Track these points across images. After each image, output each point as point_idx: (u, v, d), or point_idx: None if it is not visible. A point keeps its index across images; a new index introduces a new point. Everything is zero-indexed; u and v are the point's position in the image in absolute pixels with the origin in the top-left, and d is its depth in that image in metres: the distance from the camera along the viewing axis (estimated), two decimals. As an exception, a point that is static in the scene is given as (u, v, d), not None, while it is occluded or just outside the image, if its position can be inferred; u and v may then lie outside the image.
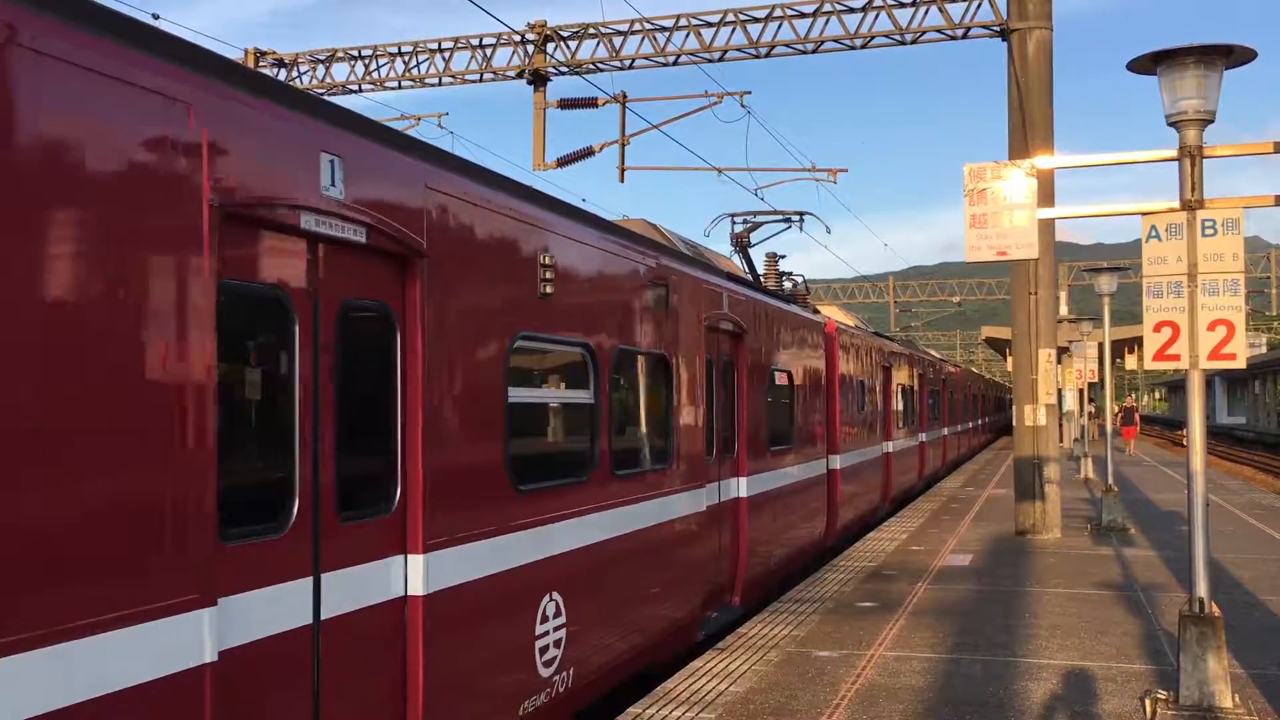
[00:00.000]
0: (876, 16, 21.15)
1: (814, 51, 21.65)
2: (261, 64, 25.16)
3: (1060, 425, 30.41)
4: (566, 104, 22.77)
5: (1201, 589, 7.85)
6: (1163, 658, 9.89)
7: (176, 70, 4.53)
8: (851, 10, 21.34)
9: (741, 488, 12.70)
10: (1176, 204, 7.90)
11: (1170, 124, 7.94)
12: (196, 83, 4.61)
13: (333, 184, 5.46)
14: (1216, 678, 7.61)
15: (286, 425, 5.26)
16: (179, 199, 4.46)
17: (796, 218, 20.21)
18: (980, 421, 54.13)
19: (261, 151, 4.98)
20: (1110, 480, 20.64)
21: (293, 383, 5.28)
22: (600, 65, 22.69)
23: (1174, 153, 7.96)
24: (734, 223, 19.75)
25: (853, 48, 21.40)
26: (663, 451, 10.20)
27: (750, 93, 21.94)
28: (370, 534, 5.87)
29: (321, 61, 25.05)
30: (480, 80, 23.77)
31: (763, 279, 19.32)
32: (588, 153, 22.20)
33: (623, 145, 22.06)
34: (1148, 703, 7.96)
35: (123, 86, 4.24)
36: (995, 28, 19.66)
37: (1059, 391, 32.15)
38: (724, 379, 12.23)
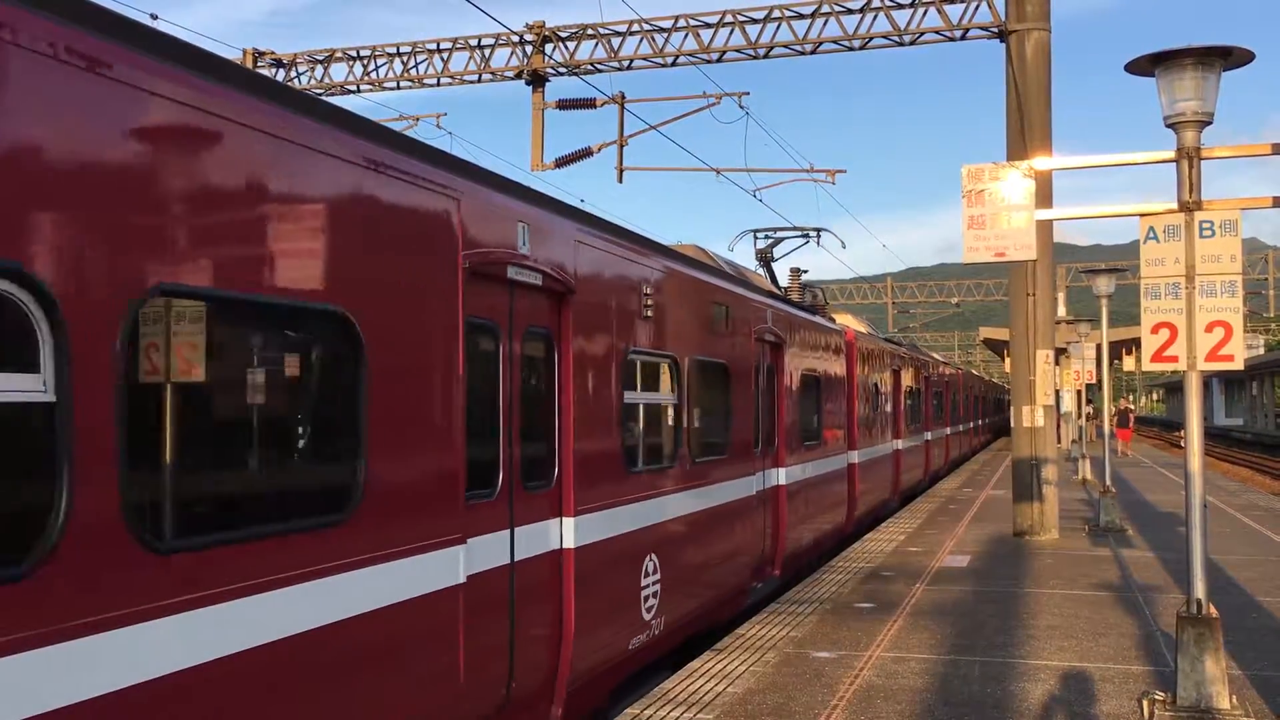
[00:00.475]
0: (875, 18, 21.16)
1: (812, 52, 21.66)
2: (260, 64, 25.15)
3: (1058, 426, 30.53)
4: (565, 104, 22.77)
5: (1199, 590, 7.85)
6: (1160, 659, 9.89)
7: (451, 175, 6.65)
8: (850, 11, 21.35)
9: (780, 476, 14.67)
10: (1174, 205, 7.90)
11: (1168, 125, 7.95)
12: (461, 183, 6.74)
13: (524, 244, 7.51)
14: (1214, 679, 7.61)
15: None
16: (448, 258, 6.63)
17: (814, 233, 22.24)
18: (980, 422, 55.12)
19: (491, 224, 7.07)
20: (1108, 481, 20.66)
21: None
22: (599, 66, 22.69)
23: (1172, 154, 7.96)
24: (756, 238, 21.96)
25: (851, 49, 21.41)
26: (726, 444, 11.98)
27: (749, 93, 21.97)
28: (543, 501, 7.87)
29: (320, 62, 25.04)
30: (479, 81, 23.77)
31: (787, 291, 20.78)
32: (586, 153, 22.20)
33: (621, 146, 22.06)
34: (1145, 704, 7.95)
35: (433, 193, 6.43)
36: (993, 29, 19.67)
37: (1057, 393, 32.32)
38: (767, 383, 13.99)
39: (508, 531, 7.30)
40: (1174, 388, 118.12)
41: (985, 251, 8.26)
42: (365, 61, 24.76)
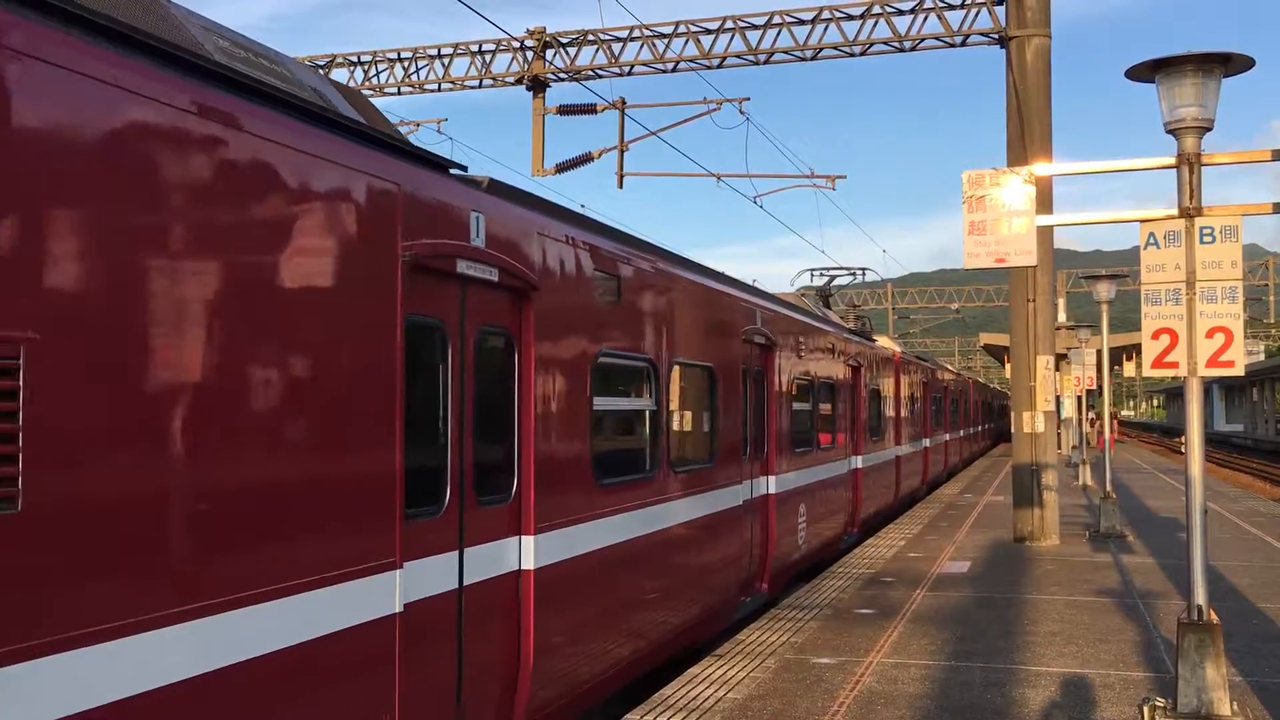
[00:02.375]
0: (875, 24, 21.17)
1: (813, 58, 21.67)
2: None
3: (1058, 432, 30.83)
4: (566, 110, 22.77)
5: (1200, 596, 7.84)
6: (1161, 665, 9.88)
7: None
8: (850, 17, 21.36)
9: (857, 462, 19.88)
10: (1175, 211, 7.90)
11: (1169, 131, 7.95)
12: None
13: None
14: (1215, 685, 7.60)
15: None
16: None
17: (860, 271, 27.91)
18: (982, 427, 56.69)
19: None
20: (1108, 487, 20.64)
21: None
22: (599, 72, 22.70)
23: (1173, 160, 7.97)
24: (813, 275, 27.56)
25: (851, 55, 21.42)
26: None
27: (749, 99, 21.99)
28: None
29: (321, 67, 25.06)
30: (480, 86, 23.77)
31: (842, 319, 24.16)
32: (586, 159, 22.21)
33: (622, 151, 22.07)
34: (1146, 710, 7.94)
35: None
36: (994, 35, 19.69)
37: (1057, 398, 32.59)
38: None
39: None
40: (1174, 393, 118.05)
41: (986, 257, 8.26)
42: (366, 67, 24.78)
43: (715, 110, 21.54)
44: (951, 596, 13.38)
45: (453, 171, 7.14)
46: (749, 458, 12.99)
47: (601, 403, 8.78)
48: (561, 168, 22.32)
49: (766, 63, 21.95)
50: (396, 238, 6.08)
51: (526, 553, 7.55)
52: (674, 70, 22.54)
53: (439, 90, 24.14)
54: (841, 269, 26.90)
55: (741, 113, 21.82)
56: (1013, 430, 19.18)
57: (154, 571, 4.42)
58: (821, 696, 8.88)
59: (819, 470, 16.49)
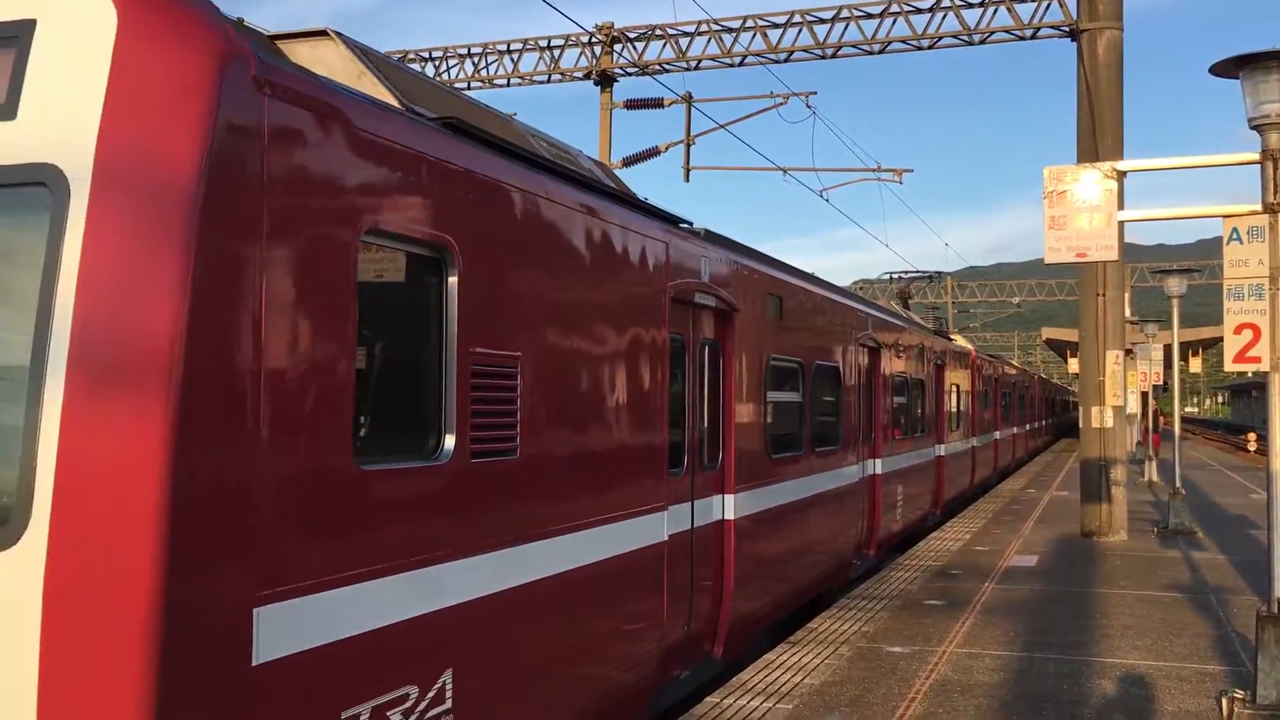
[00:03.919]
0: (944, 17, 21.14)
1: (881, 52, 21.69)
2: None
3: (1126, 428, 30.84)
4: (633, 104, 22.96)
5: (1280, 590, 7.89)
6: (1236, 659, 9.91)
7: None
8: (919, 11, 21.34)
9: (940, 450, 21.66)
10: (1259, 207, 7.94)
11: (1252, 127, 7.99)
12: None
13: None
14: (1295, 678, 7.66)
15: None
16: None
17: (936, 274, 30.63)
18: (1045, 422, 57.49)
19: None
20: (1177, 483, 20.50)
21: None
22: (667, 66, 22.88)
23: (1256, 156, 8.00)
24: (892, 278, 30.18)
25: (920, 48, 21.41)
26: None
27: (815, 93, 22.01)
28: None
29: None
30: (549, 81, 24.05)
31: (921, 320, 25.65)
32: (653, 153, 22.37)
33: (688, 145, 22.22)
34: (1224, 702, 8.02)
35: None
36: (1065, 28, 19.59)
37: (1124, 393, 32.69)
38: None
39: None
40: (1239, 390, 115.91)
41: (1067, 252, 8.35)
42: (436, 63, 25.15)
43: (782, 104, 21.63)
44: (1021, 590, 13.44)
45: (682, 226, 9.31)
46: (860, 443, 15.18)
47: (772, 395, 11.09)
48: (629, 161, 22.50)
49: (834, 57, 22.00)
50: (666, 280, 8.42)
51: (728, 506, 9.83)
52: (741, 64, 22.66)
53: (508, 85, 24.47)
54: (919, 272, 29.54)
55: (808, 107, 21.89)
56: (1080, 425, 19.11)
57: (568, 497, 6.80)
58: (897, 684, 9.03)
59: (911, 456, 18.63)
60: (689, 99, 21.90)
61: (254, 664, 4.24)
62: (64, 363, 3.90)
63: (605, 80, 23.22)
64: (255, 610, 4.24)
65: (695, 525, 9.13)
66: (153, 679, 3.77)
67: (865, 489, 15.39)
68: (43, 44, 4.22)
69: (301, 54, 5.85)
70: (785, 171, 23.10)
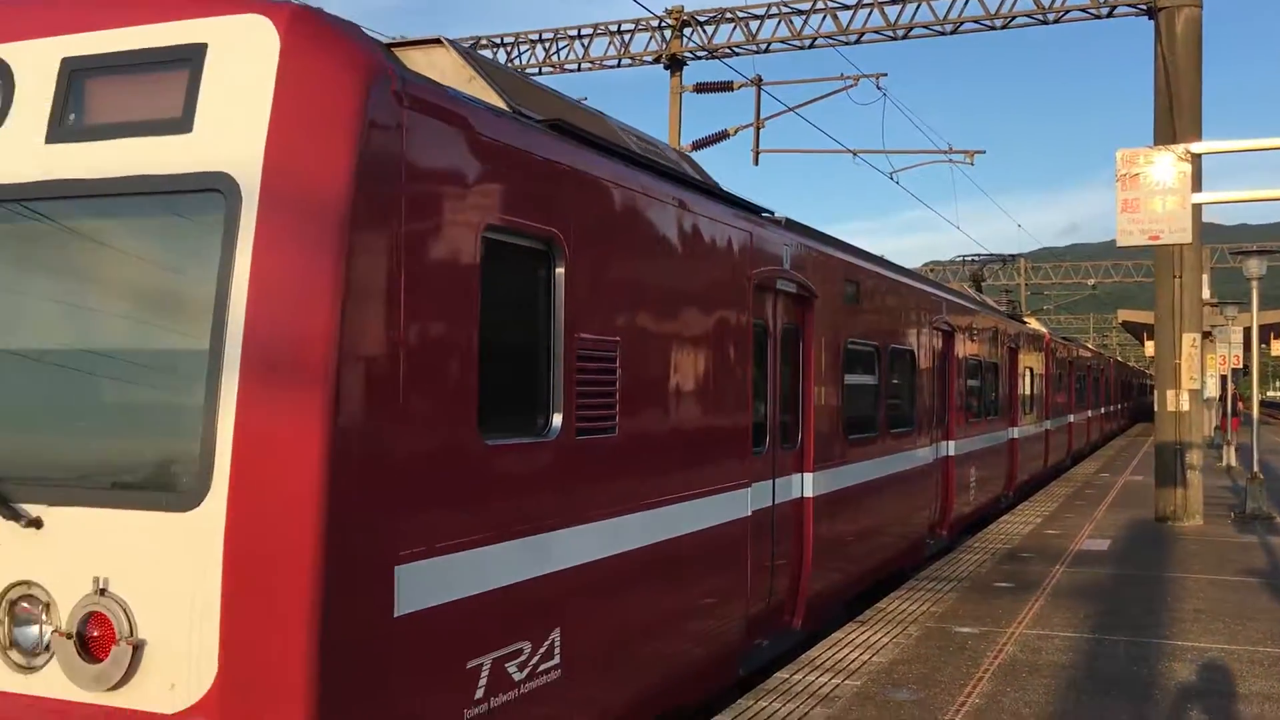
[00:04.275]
0: (1017, -3, 20.92)
1: (953, 32, 21.52)
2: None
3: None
4: (703, 88, 23.04)
5: (1356, 574, 7.84)
6: (1312, 644, 9.84)
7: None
8: (991, -10, 21.13)
9: (1014, 432, 21.86)
10: (1337, 189, 7.86)
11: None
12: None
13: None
14: (1370, 662, 7.61)
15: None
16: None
17: (1009, 257, 30.98)
18: (1122, 405, 57.55)
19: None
20: (1255, 468, 20.18)
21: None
22: (736, 49, 22.91)
23: (1336, 137, 7.93)
24: (964, 261, 31.24)
25: (992, 28, 21.21)
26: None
27: (886, 75, 21.91)
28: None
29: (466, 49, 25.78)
30: (619, 65, 24.20)
31: (994, 303, 25.69)
32: (723, 136, 22.44)
33: (758, 128, 22.25)
34: (1297, 685, 7.99)
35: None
36: (1142, 6, 19.29)
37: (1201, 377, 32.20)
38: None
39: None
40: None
41: (1139, 235, 8.35)
42: (508, 48, 25.42)
43: (852, 86, 21.56)
44: (1092, 573, 13.40)
45: (764, 214, 9.58)
46: (935, 425, 15.61)
47: (848, 378, 11.46)
48: (698, 145, 22.59)
49: (905, 38, 21.87)
50: (750, 268, 8.84)
51: (807, 484, 10.32)
52: (811, 46, 22.62)
53: (578, 70, 24.66)
54: (992, 255, 30.14)
55: (879, 89, 21.80)
56: (1156, 409, 18.91)
57: (662, 473, 7.37)
58: (965, 663, 9.12)
59: (985, 439, 18.97)
60: (759, 82, 21.93)
61: (395, 615, 4.78)
62: (239, 352, 4.44)
63: (675, 64, 23.31)
64: (396, 568, 4.79)
65: (776, 502, 9.62)
66: (315, 622, 4.37)
67: (939, 470, 15.73)
68: (214, 65, 4.75)
69: (416, 60, 6.33)
70: (855, 154, 23.06)
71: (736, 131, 22.49)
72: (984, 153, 24.12)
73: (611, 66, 24.24)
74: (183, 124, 4.72)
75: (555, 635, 6.06)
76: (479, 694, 5.43)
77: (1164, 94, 17.74)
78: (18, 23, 5.11)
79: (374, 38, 5.42)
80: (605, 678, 6.76)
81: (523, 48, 25.18)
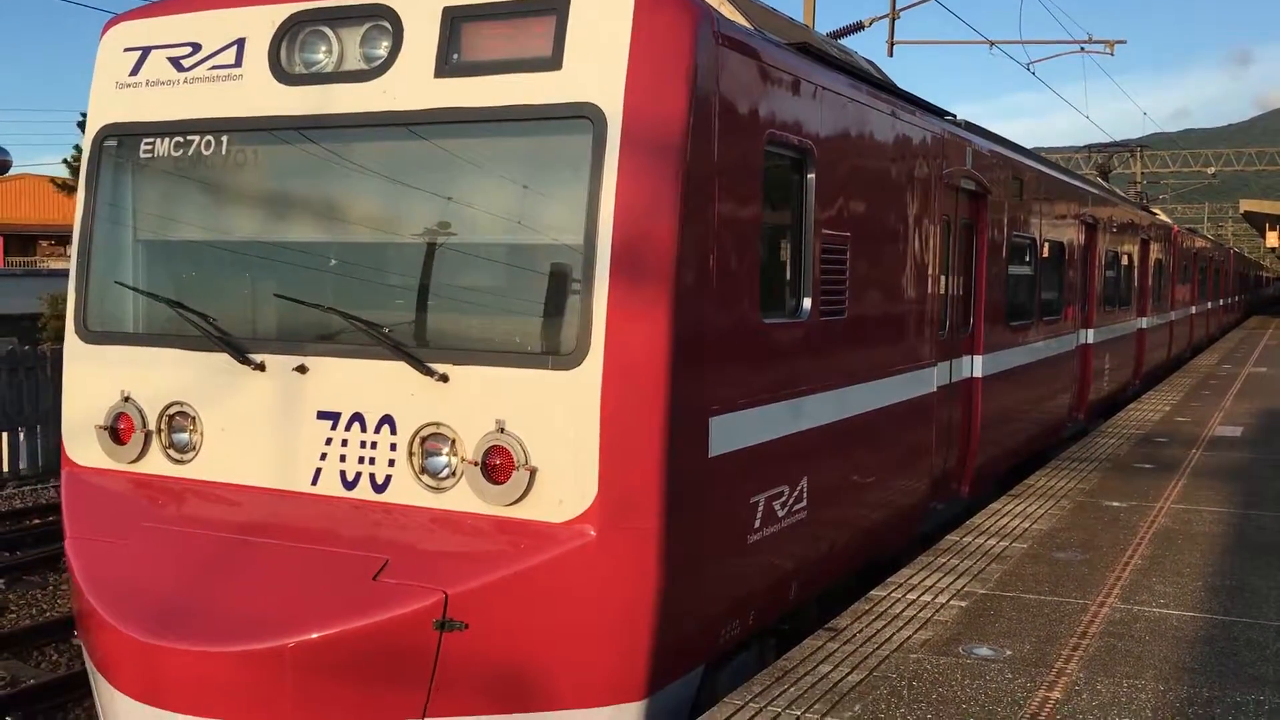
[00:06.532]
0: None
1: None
2: None
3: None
4: (837, -22, 23.11)
5: None
6: None
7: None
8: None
9: (1142, 322, 22.83)
10: None
11: None
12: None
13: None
14: None
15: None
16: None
17: (1138, 147, 33.18)
18: (1240, 297, 57.63)
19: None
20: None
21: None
22: (872, -62, 22.87)
23: None
24: (1092, 153, 32.78)
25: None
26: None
27: (1024, -38, 21.77)
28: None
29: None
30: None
31: (1124, 194, 27.00)
32: (857, 27, 22.57)
33: (893, 19, 22.39)
34: None
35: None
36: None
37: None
38: (1141, 266, 20.45)
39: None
40: None
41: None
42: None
43: (990, -25, 21.50)
44: (1229, 455, 13.97)
45: (947, 117, 10.56)
46: (1076, 313, 16.62)
47: (1011, 269, 12.51)
48: (833, 36, 22.78)
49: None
50: (939, 167, 9.80)
51: (977, 365, 11.42)
52: (948, -65, 22.50)
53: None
54: (1117, 144, 32.20)
55: (1017, -23, 21.70)
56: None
57: (877, 350, 8.58)
58: (1121, 531, 9.90)
59: (1117, 328, 19.98)
60: (894, -28, 21.96)
61: (709, 456, 6.05)
62: (609, 248, 5.64)
63: (811, -46, 23.34)
64: (710, 419, 6.03)
65: (953, 380, 10.79)
66: (663, 454, 5.72)
67: (1078, 356, 16.81)
68: (577, 13, 5.79)
69: None
70: (991, 44, 23.06)
71: (871, 23, 22.63)
72: (1125, 42, 23.91)
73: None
74: (552, 62, 5.76)
75: (804, 482, 7.36)
76: (756, 524, 6.77)
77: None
78: None
79: None
80: (835, 521, 8.05)
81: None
